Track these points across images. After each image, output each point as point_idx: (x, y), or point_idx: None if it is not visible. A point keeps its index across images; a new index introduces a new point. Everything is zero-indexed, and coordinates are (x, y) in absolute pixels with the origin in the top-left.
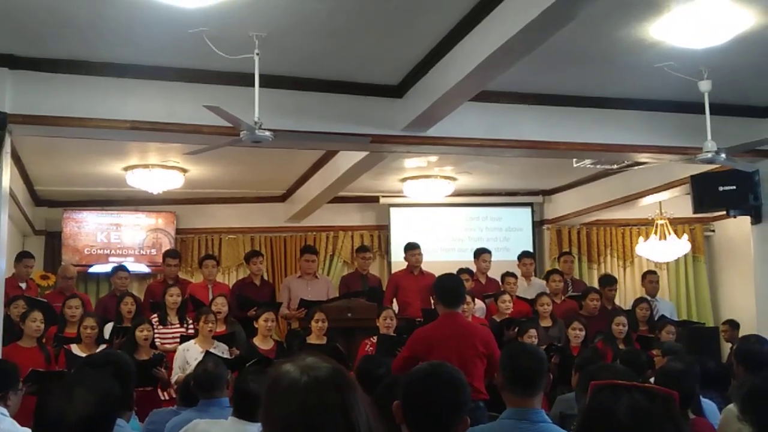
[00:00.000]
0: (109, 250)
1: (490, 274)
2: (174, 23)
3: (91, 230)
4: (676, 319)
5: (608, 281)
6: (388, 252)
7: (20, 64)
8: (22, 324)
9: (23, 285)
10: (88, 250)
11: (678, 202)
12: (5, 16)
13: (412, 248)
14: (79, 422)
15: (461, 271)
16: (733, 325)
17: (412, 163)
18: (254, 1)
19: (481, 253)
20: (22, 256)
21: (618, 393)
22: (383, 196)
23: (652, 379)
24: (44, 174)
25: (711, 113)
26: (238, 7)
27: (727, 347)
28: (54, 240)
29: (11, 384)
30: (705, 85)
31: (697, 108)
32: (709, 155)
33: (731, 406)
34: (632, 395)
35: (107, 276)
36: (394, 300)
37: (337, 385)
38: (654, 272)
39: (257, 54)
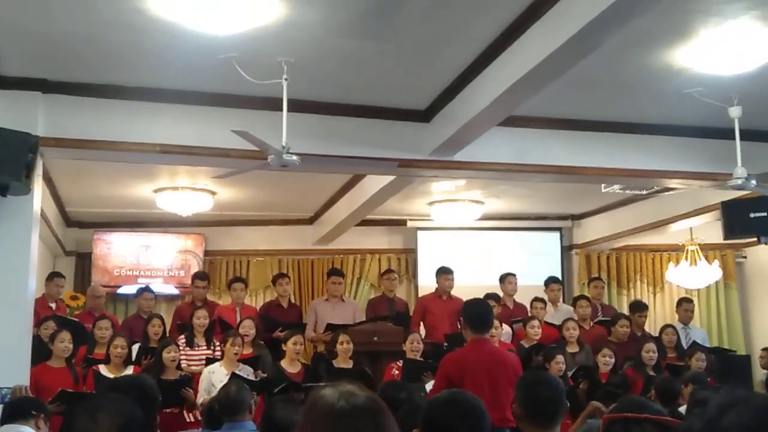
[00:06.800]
0: (138, 272)
1: (517, 298)
2: (204, 49)
3: (120, 251)
4: (708, 346)
5: (638, 307)
6: (415, 276)
7: (53, 89)
8: (51, 344)
9: (53, 305)
10: (117, 271)
11: (709, 228)
12: (39, 43)
13: (445, 272)
14: None
15: (488, 296)
16: None
17: (440, 186)
18: (283, 28)
19: (506, 277)
20: (53, 276)
21: (629, 426)
22: (411, 220)
23: (682, 408)
24: (75, 196)
25: (741, 139)
26: (267, 34)
27: (760, 375)
28: (84, 261)
29: (39, 409)
30: (735, 111)
31: (727, 134)
32: (740, 181)
33: None
34: (643, 427)
35: (135, 297)
36: (421, 324)
37: (373, 413)
38: (690, 300)
39: (285, 79)
